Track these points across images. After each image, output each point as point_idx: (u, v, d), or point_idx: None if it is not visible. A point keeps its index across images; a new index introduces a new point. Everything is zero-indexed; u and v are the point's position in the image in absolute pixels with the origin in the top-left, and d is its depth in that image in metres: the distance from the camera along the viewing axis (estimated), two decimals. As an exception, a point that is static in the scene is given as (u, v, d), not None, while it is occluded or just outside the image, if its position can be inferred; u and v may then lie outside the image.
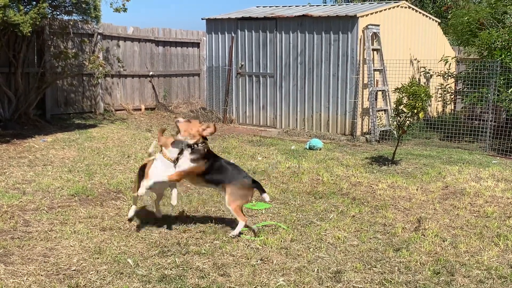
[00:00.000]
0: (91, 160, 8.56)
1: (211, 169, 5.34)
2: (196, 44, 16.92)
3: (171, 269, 4.50)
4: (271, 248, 5.04)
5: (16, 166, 8.05)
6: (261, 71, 13.15)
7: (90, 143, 10.01)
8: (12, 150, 9.14)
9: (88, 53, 13.23)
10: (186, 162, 5.24)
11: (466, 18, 12.78)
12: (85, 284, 4.15)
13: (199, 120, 5.29)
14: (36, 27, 10.18)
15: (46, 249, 4.88)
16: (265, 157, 9.32)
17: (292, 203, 6.60)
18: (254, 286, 4.20)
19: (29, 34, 9.67)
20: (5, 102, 11.27)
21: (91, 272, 4.39)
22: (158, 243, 5.09)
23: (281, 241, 5.23)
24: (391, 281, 4.36)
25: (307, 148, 10.30)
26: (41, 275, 4.32)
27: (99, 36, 13.67)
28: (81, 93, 13.63)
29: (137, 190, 5.29)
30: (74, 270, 4.44)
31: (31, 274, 4.35)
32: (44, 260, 4.64)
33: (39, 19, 9.79)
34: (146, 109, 15.27)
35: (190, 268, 4.53)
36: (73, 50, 12.57)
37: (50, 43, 12.28)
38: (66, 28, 12.16)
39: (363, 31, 11.56)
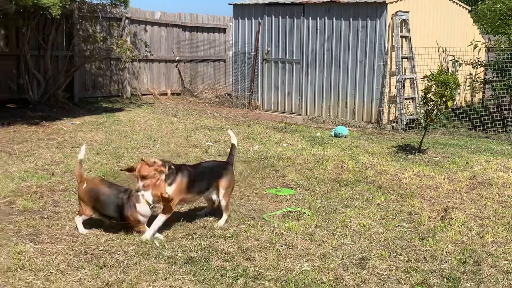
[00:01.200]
0: (118, 143, 8.66)
1: (193, 179, 5.07)
2: (223, 30, 16.91)
3: (196, 252, 4.54)
4: (296, 233, 5.05)
5: (45, 147, 8.19)
6: (287, 57, 13.10)
7: (117, 127, 10.12)
8: (41, 132, 9.30)
9: (116, 37, 13.33)
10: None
11: (499, 6, 12.51)
12: (113, 264, 4.21)
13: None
14: (66, 11, 10.28)
15: (75, 229, 4.96)
16: (290, 144, 9.32)
17: (316, 190, 6.59)
18: (279, 270, 4.22)
19: (58, 17, 9.76)
20: (34, 84, 11.44)
21: (118, 253, 4.46)
22: (184, 225, 5.13)
23: (305, 227, 5.24)
24: (416, 269, 4.34)
25: (333, 135, 10.25)
26: (70, 254, 4.40)
27: (127, 21, 13.75)
28: (108, 77, 13.76)
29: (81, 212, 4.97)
30: (101, 250, 4.52)
31: (60, 253, 4.43)
32: (72, 240, 4.72)
33: (69, 2, 9.88)
34: (172, 94, 15.36)
35: (216, 251, 4.56)
36: (102, 34, 12.67)
37: (79, 27, 12.41)
38: (95, 12, 12.26)
39: (392, 18, 11.41)
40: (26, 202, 5.62)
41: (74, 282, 3.90)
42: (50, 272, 4.03)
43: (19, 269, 4.05)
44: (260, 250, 4.63)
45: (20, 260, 4.20)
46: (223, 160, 5.76)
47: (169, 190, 4.84)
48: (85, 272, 4.06)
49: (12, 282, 3.84)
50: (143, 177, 4.71)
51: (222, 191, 5.25)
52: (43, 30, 11.53)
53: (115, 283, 3.89)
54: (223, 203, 5.25)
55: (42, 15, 10.43)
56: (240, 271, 4.17)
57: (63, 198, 5.85)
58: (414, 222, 5.53)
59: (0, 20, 10.38)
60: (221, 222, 5.24)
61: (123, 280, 3.94)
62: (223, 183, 5.27)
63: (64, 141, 8.73)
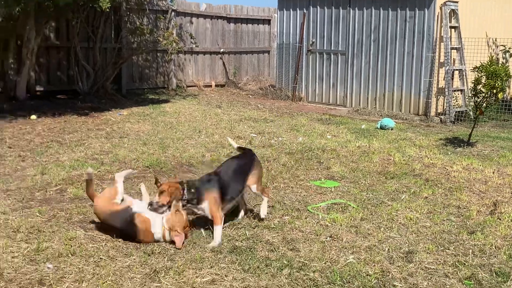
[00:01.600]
0: (164, 134, 8.80)
1: (225, 187, 4.80)
2: (267, 21, 16.90)
3: (241, 241, 4.58)
4: (341, 226, 5.03)
5: (94, 137, 8.40)
6: (332, 48, 12.98)
7: (163, 118, 10.28)
8: (90, 123, 9.54)
9: (162, 29, 13.51)
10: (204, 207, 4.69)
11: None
12: (160, 251, 4.30)
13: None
14: (114, 3, 10.49)
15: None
16: (335, 136, 9.25)
17: (362, 182, 6.53)
18: (324, 262, 4.21)
19: (107, 10, 9.97)
20: (84, 76, 11.74)
21: (165, 241, 4.54)
22: (228, 216, 5.15)
23: (350, 219, 5.20)
24: (464, 264, 4.26)
25: (378, 127, 10.12)
26: (119, 241, 4.50)
27: (173, 13, 13.91)
28: (155, 69, 13.97)
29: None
30: (149, 238, 4.60)
31: (109, 240, 4.54)
32: (121, 227, 4.82)
33: (117, -5, 10.09)
34: (216, 85, 15.47)
35: (260, 241, 4.59)
36: (148, 27, 12.86)
37: (126, 19, 12.63)
38: (142, 4, 12.45)
39: (440, 8, 11.15)
40: (76, 190, 5.78)
41: (123, 268, 3.99)
42: (100, 258, 4.14)
43: (70, 255, 4.17)
44: (304, 242, 4.63)
45: (71, 246, 4.33)
46: (243, 154, 5.36)
47: (205, 206, 4.65)
48: (134, 259, 4.15)
49: (64, 267, 3.97)
50: (161, 193, 4.54)
51: (254, 186, 5.03)
52: (92, 23, 11.80)
53: (162, 269, 3.97)
54: (259, 192, 5.09)
55: (92, 7, 10.66)
56: (285, 262, 4.18)
57: (112, 186, 5.99)
58: (462, 216, 5.42)
59: (51, 13, 10.67)
60: (264, 208, 5.06)
61: (170, 267, 4.01)
62: (252, 179, 5.02)
63: (112, 131, 8.93)
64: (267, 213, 5.15)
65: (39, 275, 3.85)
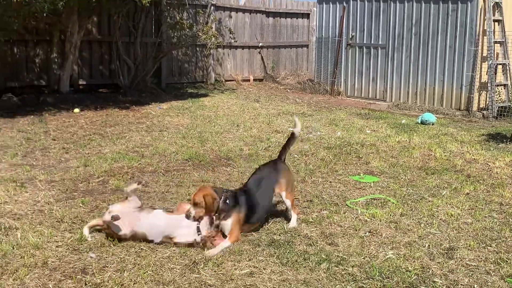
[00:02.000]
0: (203, 128, 8.88)
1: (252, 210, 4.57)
2: (306, 15, 16.82)
3: (279, 235, 4.59)
4: (380, 221, 4.98)
5: (135, 131, 8.54)
6: (372, 42, 12.84)
7: (202, 112, 10.37)
8: (131, 116, 9.70)
9: (201, 24, 13.60)
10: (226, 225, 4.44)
11: None
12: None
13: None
14: (155, -2, 10.64)
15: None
16: (374, 131, 9.16)
17: (402, 178, 6.45)
18: (363, 257, 4.19)
19: (148, 4, 10.11)
20: (125, 70, 11.93)
21: (204, 233, 4.58)
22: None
23: (390, 215, 5.15)
24: (507, 261, 4.16)
25: (419, 122, 9.97)
26: (159, 233, 4.57)
27: (212, 7, 13.99)
28: (194, 64, 14.09)
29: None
30: (188, 229, 4.65)
31: (150, 231, 4.61)
32: (161, 219, 4.89)
33: (158, -9, 10.21)
34: (254, 80, 15.50)
35: (298, 235, 4.59)
36: (188, 21, 12.98)
37: (166, 14, 12.77)
38: (182, -1, 12.58)
39: (484, 1, 10.89)
40: (118, 182, 5.89)
41: (163, 259, 4.06)
42: (141, 249, 4.21)
43: (112, 245, 4.26)
44: (343, 236, 4.61)
45: (113, 236, 4.41)
46: (273, 160, 5.20)
47: (227, 225, 4.41)
48: (173, 250, 4.21)
49: (106, 257, 4.06)
50: (195, 204, 4.30)
51: (283, 194, 4.82)
52: (133, 18, 11.98)
53: (201, 261, 4.01)
54: (288, 203, 4.84)
55: (133, 2, 10.82)
56: (323, 256, 4.17)
57: (152, 179, 6.09)
58: (505, 213, 5.30)
59: (94, 8, 10.87)
60: (292, 223, 4.82)
61: (209, 259, 4.06)
62: (281, 187, 4.79)
63: (152, 124, 9.06)
64: (295, 225, 4.80)
65: (82, 264, 3.95)
